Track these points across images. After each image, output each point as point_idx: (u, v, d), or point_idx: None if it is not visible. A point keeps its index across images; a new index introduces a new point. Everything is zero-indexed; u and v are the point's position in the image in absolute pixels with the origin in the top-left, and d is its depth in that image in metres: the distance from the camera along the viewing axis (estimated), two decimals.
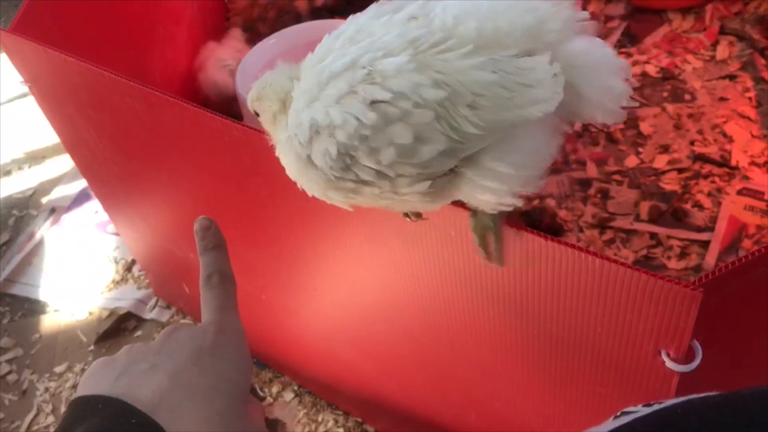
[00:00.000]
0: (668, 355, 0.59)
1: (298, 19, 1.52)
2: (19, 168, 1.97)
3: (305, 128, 0.60)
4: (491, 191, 0.60)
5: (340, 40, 0.62)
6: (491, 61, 0.58)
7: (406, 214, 0.70)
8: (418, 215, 0.69)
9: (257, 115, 0.68)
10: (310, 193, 0.65)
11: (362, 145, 0.57)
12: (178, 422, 0.48)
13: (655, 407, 0.41)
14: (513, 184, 0.61)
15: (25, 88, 1.10)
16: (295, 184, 0.67)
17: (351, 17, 0.65)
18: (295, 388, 1.31)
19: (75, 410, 0.49)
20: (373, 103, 0.57)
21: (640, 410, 0.41)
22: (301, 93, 0.62)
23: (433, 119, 0.57)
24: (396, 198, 0.61)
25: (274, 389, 1.31)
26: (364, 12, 0.64)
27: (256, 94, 0.66)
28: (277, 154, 0.66)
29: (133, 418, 0.47)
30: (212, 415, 0.50)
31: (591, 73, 0.63)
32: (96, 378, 0.51)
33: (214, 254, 0.61)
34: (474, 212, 0.65)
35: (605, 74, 0.64)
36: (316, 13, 1.54)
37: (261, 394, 1.31)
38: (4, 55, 1.06)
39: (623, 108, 0.65)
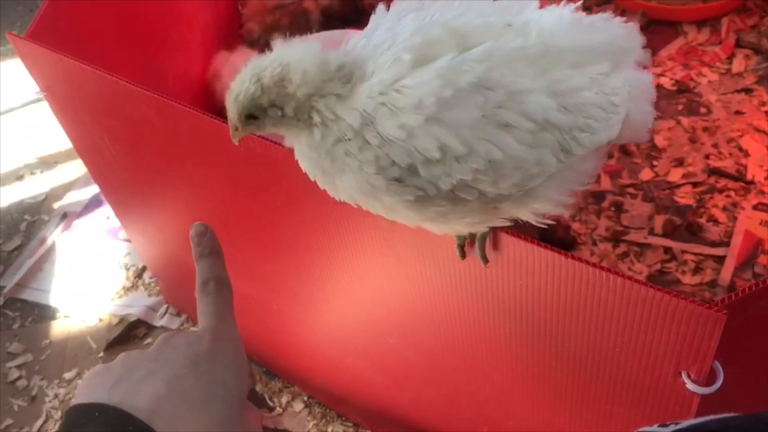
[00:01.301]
0: (689, 376, 0.58)
1: (308, 26, 1.52)
2: (32, 173, 1.97)
3: (417, 153, 0.55)
4: (539, 212, 0.62)
5: (432, 38, 0.57)
6: (594, 81, 0.59)
7: (462, 252, 0.68)
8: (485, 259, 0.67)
9: (253, 117, 0.61)
10: (353, 203, 0.62)
11: (489, 171, 0.56)
12: (175, 429, 0.48)
13: (671, 428, 0.40)
14: (559, 204, 0.62)
15: (38, 95, 1.10)
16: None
17: (392, 10, 0.62)
18: (305, 398, 1.30)
19: (72, 418, 0.49)
20: (508, 127, 0.55)
21: (656, 431, 0.41)
22: (399, 105, 0.56)
23: (554, 142, 0.57)
24: (454, 218, 0.60)
25: (284, 399, 1.30)
26: (417, 8, 0.61)
27: (265, 83, 0.59)
28: (297, 157, 0.62)
29: (130, 425, 0.47)
30: (209, 422, 0.50)
31: (638, 96, 0.66)
32: (93, 386, 0.51)
33: (210, 260, 0.60)
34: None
35: (646, 98, 0.68)
36: (328, 21, 1.54)
37: (270, 404, 1.30)
38: (17, 61, 1.06)
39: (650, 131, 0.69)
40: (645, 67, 0.70)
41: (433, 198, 0.57)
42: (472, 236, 0.66)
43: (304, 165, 0.62)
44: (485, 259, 0.66)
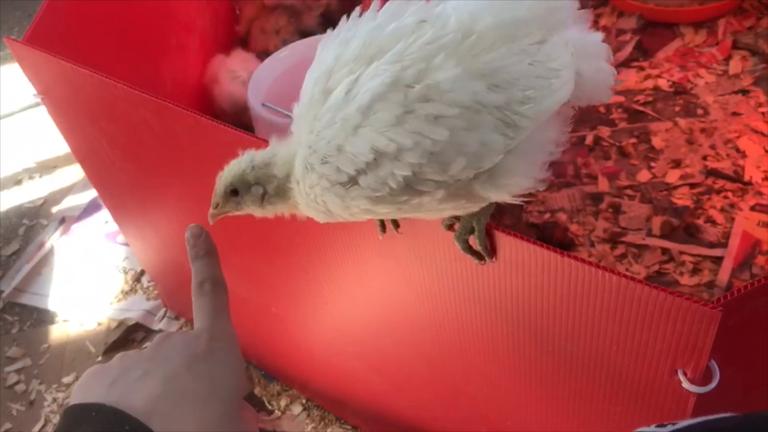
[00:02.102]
0: (685, 375, 0.58)
1: (307, 26, 1.53)
2: (30, 177, 1.98)
3: (356, 158, 0.58)
4: (515, 188, 0.62)
5: (344, 61, 0.61)
6: (525, 53, 0.59)
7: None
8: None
9: (235, 194, 0.68)
10: (353, 218, 0.65)
11: (431, 162, 0.57)
12: (172, 428, 0.48)
13: (669, 428, 0.40)
14: (533, 177, 0.63)
15: (36, 98, 1.11)
16: None
17: (328, 37, 0.65)
18: (304, 401, 1.30)
19: (69, 418, 0.49)
20: (437, 118, 0.56)
21: (654, 431, 0.41)
22: (322, 124, 0.60)
23: (494, 121, 0.58)
24: (436, 207, 0.62)
25: (283, 402, 1.30)
26: (343, 27, 0.64)
27: (256, 164, 0.66)
28: (302, 211, 0.67)
29: (126, 424, 0.47)
30: (206, 421, 0.50)
31: (588, 55, 0.67)
32: (89, 386, 0.51)
33: (206, 261, 0.61)
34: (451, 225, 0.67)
35: (597, 56, 0.68)
36: (328, 21, 1.55)
37: (269, 407, 1.30)
38: (16, 66, 1.07)
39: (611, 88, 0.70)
40: (592, 28, 0.71)
41: (393, 195, 0.59)
42: (471, 239, 0.67)
43: (318, 219, 0.67)
44: (489, 253, 0.66)
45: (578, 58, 0.64)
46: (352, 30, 0.63)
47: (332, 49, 0.62)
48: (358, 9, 0.65)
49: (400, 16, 0.61)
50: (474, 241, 0.66)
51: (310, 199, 0.64)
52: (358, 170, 0.58)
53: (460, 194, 0.61)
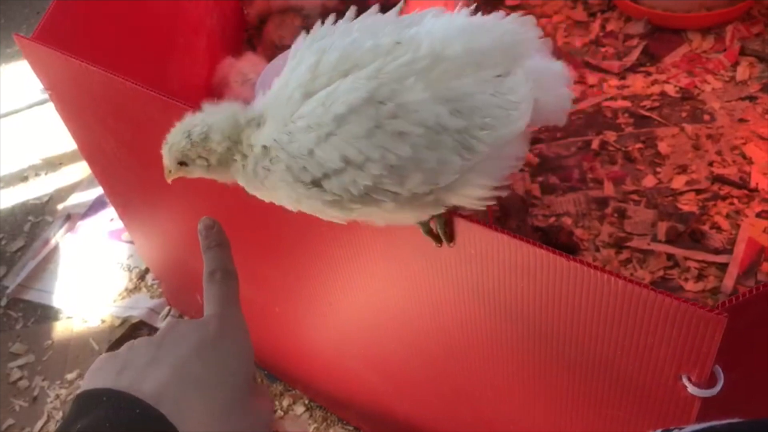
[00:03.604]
0: (690, 379, 0.58)
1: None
2: (36, 174, 1.98)
3: (324, 165, 0.62)
4: (475, 198, 0.67)
5: (323, 70, 0.64)
6: (489, 83, 0.64)
7: (435, 237, 0.72)
8: (445, 240, 0.71)
9: (184, 164, 0.70)
10: (295, 209, 0.69)
11: (391, 174, 0.61)
12: (182, 413, 0.48)
13: None
14: (493, 189, 0.67)
15: (44, 95, 1.11)
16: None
17: (303, 40, 0.69)
18: (306, 401, 1.30)
19: (79, 404, 0.49)
20: (401, 134, 0.60)
21: None
22: (297, 128, 0.63)
23: (453, 143, 0.62)
24: (395, 214, 0.65)
25: (285, 402, 1.30)
26: (318, 33, 0.68)
27: (194, 140, 0.68)
28: (241, 182, 0.71)
29: (137, 408, 0.47)
30: (216, 407, 0.50)
31: (547, 84, 0.71)
32: (99, 373, 0.51)
33: (217, 251, 0.62)
34: None
35: (559, 84, 0.73)
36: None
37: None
38: (23, 63, 1.07)
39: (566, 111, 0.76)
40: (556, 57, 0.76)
41: (349, 200, 0.63)
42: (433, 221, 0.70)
43: (251, 192, 0.71)
44: (448, 238, 0.70)
45: (538, 88, 0.68)
46: (328, 39, 0.67)
47: (311, 56, 0.66)
48: (332, 16, 0.69)
49: (376, 33, 0.66)
50: (434, 224, 0.70)
51: (254, 177, 0.67)
52: (325, 174, 0.62)
53: (413, 206, 0.65)
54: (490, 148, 0.64)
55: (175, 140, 0.70)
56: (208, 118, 0.69)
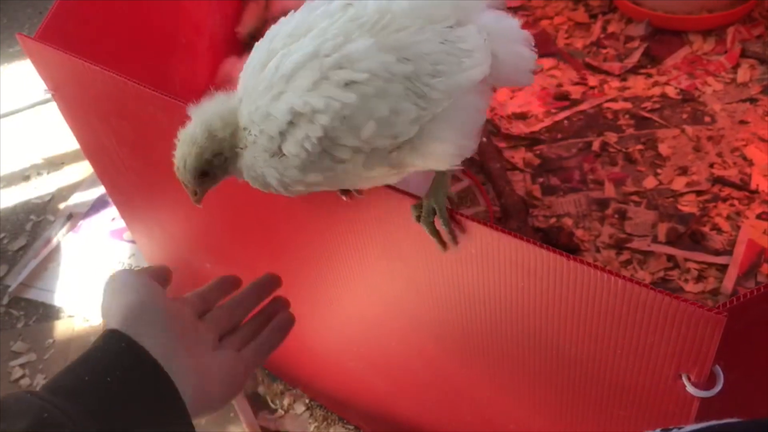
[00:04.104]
0: (689, 379, 0.58)
1: None
2: (38, 173, 1.98)
3: (278, 120, 0.64)
4: (442, 155, 0.68)
5: (278, 41, 0.67)
6: (437, 32, 0.65)
7: (344, 192, 0.75)
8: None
9: (205, 174, 0.70)
10: (288, 194, 0.70)
11: (343, 125, 0.63)
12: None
13: None
14: (458, 144, 0.68)
15: (47, 95, 1.11)
16: (311, 197, 0.72)
17: (273, 28, 0.71)
18: (307, 401, 1.30)
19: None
20: (348, 84, 0.62)
21: None
22: (258, 94, 0.66)
23: (404, 90, 0.63)
24: (363, 175, 0.67)
25: (286, 401, 1.31)
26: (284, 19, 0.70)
27: (200, 140, 0.69)
28: (246, 178, 0.71)
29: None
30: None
31: (504, 40, 0.72)
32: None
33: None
34: (416, 205, 0.71)
35: (515, 41, 0.74)
36: None
37: (272, 406, 1.31)
38: (25, 62, 1.07)
39: (533, 72, 0.76)
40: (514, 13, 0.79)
41: (314, 161, 0.65)
42: (437, 220, 0.71)
43: (254, 185, 0.71)
44: (453, 236, 0.70)
45: (493, 41, 0.70)
46: (287, 18, 0.70)
47: (271, 31, 0.70)
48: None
49: (326, 3, 0.68)
50: (438, 223, 0.70)
51: (252, 169, 0.69)
52: (281, 133, 0.64)
53: (385, 163, 0.66)
54: (446, 96, 0.65)
55: (184, 153, 0.70)
56: (200, 116, 0.70)
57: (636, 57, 1.54)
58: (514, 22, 0.75)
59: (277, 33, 0.69)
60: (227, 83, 1.46)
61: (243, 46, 1.59)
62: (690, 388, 0.58)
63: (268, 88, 0.65)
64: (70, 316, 1.57)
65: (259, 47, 0.70)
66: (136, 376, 0.57)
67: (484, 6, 0.73)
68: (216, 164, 0.70)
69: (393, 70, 0.63)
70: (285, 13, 0.72)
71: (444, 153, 0.68)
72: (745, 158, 1.30)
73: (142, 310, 0.62)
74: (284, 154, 0.65)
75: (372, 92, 0.62)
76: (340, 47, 0.63)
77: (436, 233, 0.70)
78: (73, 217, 1.80)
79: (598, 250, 1.21)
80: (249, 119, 0.67)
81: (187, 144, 0.70)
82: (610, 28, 1.63)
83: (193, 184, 0.71)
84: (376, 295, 0.90)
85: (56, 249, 1.72)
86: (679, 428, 0.41)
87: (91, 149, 1.22)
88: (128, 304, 0.62)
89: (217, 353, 0.67)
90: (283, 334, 0.76)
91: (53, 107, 1.15)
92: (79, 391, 0.54)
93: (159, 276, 0.70)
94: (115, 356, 0.58)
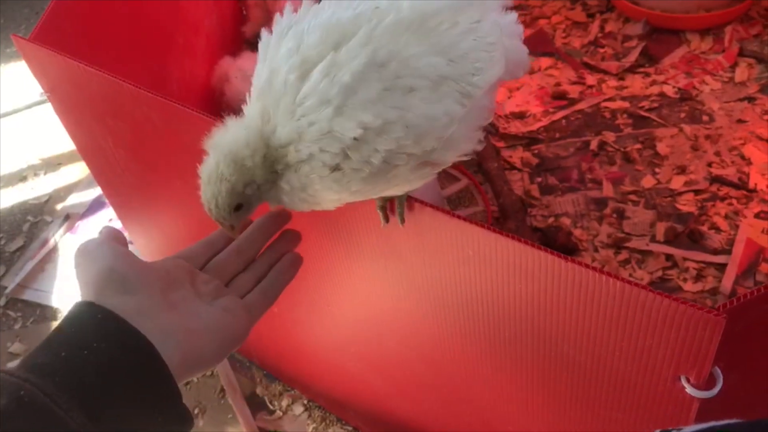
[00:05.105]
0: (688, 380, 0.58)
1: None
2: (35, 174, 1.98)
3: (343, 137, 0.60)
4: (465, 150, 0.68)
5: (309, 49, 0.63)
6: (470, 30, 0.66)
7: (385, 215, 0.73)
8: (399, 219, 0.72)
9: (239, 206, 0.67)
10: (333, 206, 0.68)
11: (410, 134, 0.61)
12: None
13: None
14: (474, 139, 0.69)
15: (42, 96, 1.11)
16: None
17: (269, 37, 0.68)
18: (305, 402, 1.30)
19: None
20: (411, 92, 0.61)
21: None
22: (307, 109, 0.61)
23: (453, 91, 0.64)
24: (409, 177, 0.65)
25: (284, 402, 1.30)
26: (283, 25, 0.67)
27: (226, 174, 0.64)
28: (288, 200, 0.68)
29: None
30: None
31: (510, 35, 0.74)
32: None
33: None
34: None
35: (515, 36, 0.75)
36: None
37: (270, 407, 1.30)
38: (22, 63, 1.07)
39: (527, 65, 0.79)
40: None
41: (375, 174, 0.63)
42: (391, 199, 0.71)
43: (298, 208, 0.69)
44: (402, 219, 0.71)
45: (505, 36, 0.71)
46: (300, 24, 0.66)
47: (289, 41, 0.65)
48: (288, 4, 0.69)
49: (349, 6, 0.66)
50: (392, 211, 0.71)
51: (302, 190, 0.65)
52: (343, 151, 0.61)
53: (429, 163, 0.66)
54: (481, 93, 0.66)
55: (214, 193, 0.66)
56: (220, 150, 0.65)
57: (634, 56, 1.53)
58: (512, 17, 0.76)
59: (298, 45, 0.64)
60: (223, 82, 1.46)
61: (246, 46, 1.58)
62: (689, 390, 0.58)
63: (324, 103, 0.61)
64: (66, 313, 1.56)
65: (279, 54, 0.65)
66: (112, 344, 0.54)
67: (497, 3, 0.74)
68: (249, 193, 0.66)
69: (443, 73, 0.63)
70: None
71: (465, 149, 0.68)
72: (743, 157, 1.30)
73: (111, 276, 0.59)
74: (344, 169, 0.62)
75: (431, 97, 0.62)
76: (394, 54, 0.61)
77: (382, 208, 0.71)
78: (70, 218, 1.79)
79: (596, 250, 1.21)
80: (294, 136, 0.63)
81: (214, 183, 0.65)
82: (608, 28, 1.63)
83: (229, 220, 0.67)
84: (373, 296, 0.90)
85: (53, 250, 1.72)
86: (679, 429, 0.41)
87: (88, 150, 1.21)
88: (98, 272, 0.60)
89: (214, 304, 0.65)
90: (289, 275, 0.73)
91: (50, 108, 1.15)
92: (55, 367, 0.52)
93: (119, 238, 0.67)
94: (88, 326, 0.55)
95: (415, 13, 0.63)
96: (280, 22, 0.68)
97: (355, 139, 0.60)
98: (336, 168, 0.62)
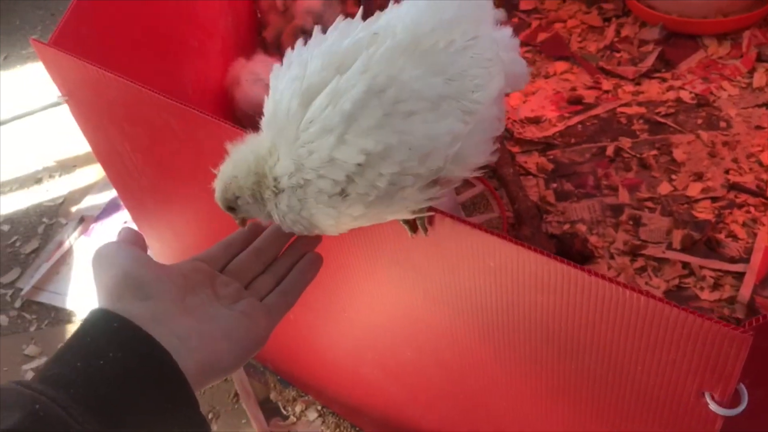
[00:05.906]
0: (712, 397, 0.57)
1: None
2: (50, 176, 1.99)
3: (346, 164, 0.62)
4: (475, 165, 0.69)
5: (312, 75, 0.65)
6: (466, 48, 0.67)
7: (411, 226, 0.73)
8: (422, 230, 0.72)
9: (232, 210, 0.72)
10: (337, 232, 0.69)
11: (413, 156, 0.62)
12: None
13: None
14: (487, 151, 0.70)
15: (59, 99, 1.11)
16: None
17: (278, 68, 0.70)
18: (319, 408, 1.30)
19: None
20: (411, 115, 0.62)
21: None
22: (310, 136, 0.63)
23: (455, 110, 0.64)
24: (419, 197, 0.66)
25: (298, 408, 1.30)
26: (292, 57, 0.69)
27: (224, 182, 0.70)
28: (288, 227, 0.70)
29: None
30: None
31: (507, 48, 0.76)
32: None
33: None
34: None
35: (511, 50, 0.77)
36: None
37: (284, 412, 1.30)
38: (38, 65, 1.07)
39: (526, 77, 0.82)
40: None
41: (381, 197, 0.64)
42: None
43: (291, 229, 0.70)
44: (424, 228, 0.71)
45: (503, 50, 0.73)
46: (304, 54, 0.68)
47: (294, 69, 0.67)
48: (300, 40, 0.70)
49: (349, 33, 0.67)
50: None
51: (290, 211, 0.67)
52: (349, 177, 0.62)
53: (434, 182, 0.66)
54: (484, 108, 0.67)
55: (216, 183, 0.72)
56: (233, 156, 0.70)
57: (650, 61, 1.52)
58: (507, 32, 0.78)
59: (304, 69, 0.66)
60: (235, 85, 1.46)
61: (256, 47, 1.58)
62: (713, 407, 0.57)
63: (325, 131, 0.62)
64: (82, 320, 1.57)
65: (283, 83, 0.68)
66: (128, 353, 0.54)
67: (491, 19, 0.75)
68: (240, 203, 0.71)
69: (442, 92, 0.64)
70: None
71: (477, 163, 0.69)
72: (761, 164, 1.28)
73: (127, 281, 0.59)
74: (347, 194, 0.64)
75: (432, 118, 0.63)
76: (392, 80, 0.62)
77: (407, 221, 0.71)
78: (85, 221, 1.80)
79: (612, 257, 1.20)
80: (293, 165, 0.65)
81: (218, 178, 0.71)
82: (624, 32, 1.62)
83: (227, 211, 0.73)
84: (389, 303, 0.90)
85: (68, 252, 1.73)
86: None
87: (104, 153, 1.22)
88: (114, 277, 0.60)
89: (234, 308, 0.65)
90: (310, 275, 0.74)
91: (66, 110, 1.15)
92: (71, 378, 0.51)
93: (137, 241, 0.67)
94: (104, 335, 0.55)
95: (409, 35, 0.65)
96: (288, 55, 0.70)
97: (359, 165, 0.62)
98: (340, 193, 0.64)
